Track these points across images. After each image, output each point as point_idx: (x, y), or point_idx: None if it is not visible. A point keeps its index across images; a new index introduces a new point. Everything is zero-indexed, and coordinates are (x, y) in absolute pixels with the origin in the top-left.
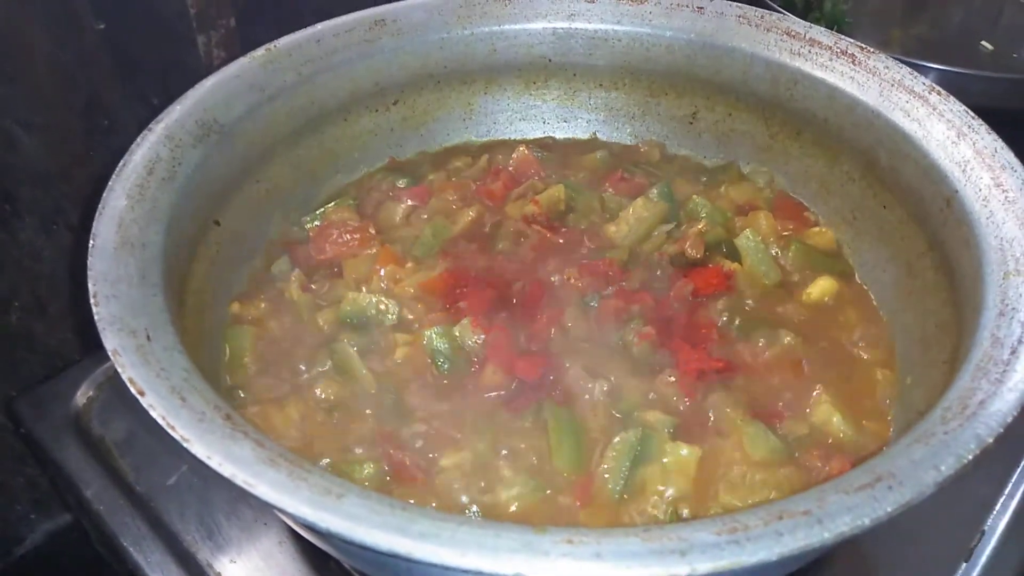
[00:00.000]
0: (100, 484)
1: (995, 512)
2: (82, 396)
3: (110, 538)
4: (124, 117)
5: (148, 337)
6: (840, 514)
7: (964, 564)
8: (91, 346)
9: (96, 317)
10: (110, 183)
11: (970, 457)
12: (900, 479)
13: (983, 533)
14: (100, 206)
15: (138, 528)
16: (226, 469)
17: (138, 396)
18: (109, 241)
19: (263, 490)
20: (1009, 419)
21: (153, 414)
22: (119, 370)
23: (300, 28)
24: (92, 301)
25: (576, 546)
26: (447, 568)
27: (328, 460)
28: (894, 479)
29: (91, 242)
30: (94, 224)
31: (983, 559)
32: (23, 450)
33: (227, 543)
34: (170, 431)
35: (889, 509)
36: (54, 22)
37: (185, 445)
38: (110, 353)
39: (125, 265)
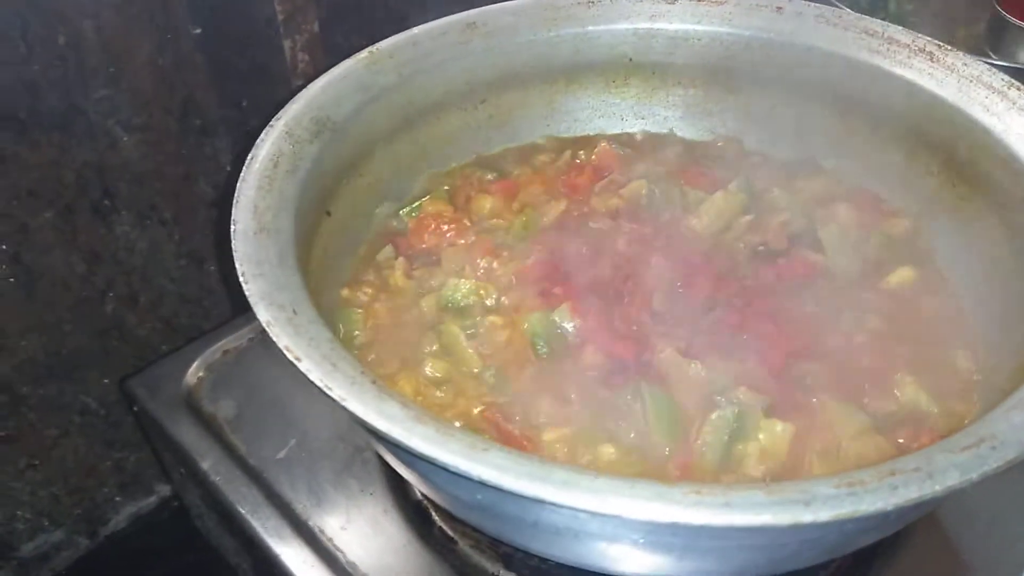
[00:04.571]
0: (215, 457)
1: None
2: (192, 376)
3: (227, 507)
4: (215, 118)
5: (295, 312)
6: (948, 470)
7: None
8: (178, 336)
9: (247, 293)
10: (242, 174)
11: None
12: (1002, 440)
13: None
14: (236, 195)
15: (254, 497)
16: (381, 424)
17: (295, 362)
18: (249, 227)
19: (417, 442)
20: None
21: (311, 377)
22: (275, 339)
23: (377, 33)
24: (241, 279)
25: (705, 496)
26: (589, 513)
27: None
28: (996, 440)
29: (232, 227)
30: (233, 211)
31: None
32: (112, 435)
33: (335, 511)
34: (327, 391)
35: (994, 465)
36: (155, 28)
37: (343, 404)
38: (264, 324)
39: (265, 248)
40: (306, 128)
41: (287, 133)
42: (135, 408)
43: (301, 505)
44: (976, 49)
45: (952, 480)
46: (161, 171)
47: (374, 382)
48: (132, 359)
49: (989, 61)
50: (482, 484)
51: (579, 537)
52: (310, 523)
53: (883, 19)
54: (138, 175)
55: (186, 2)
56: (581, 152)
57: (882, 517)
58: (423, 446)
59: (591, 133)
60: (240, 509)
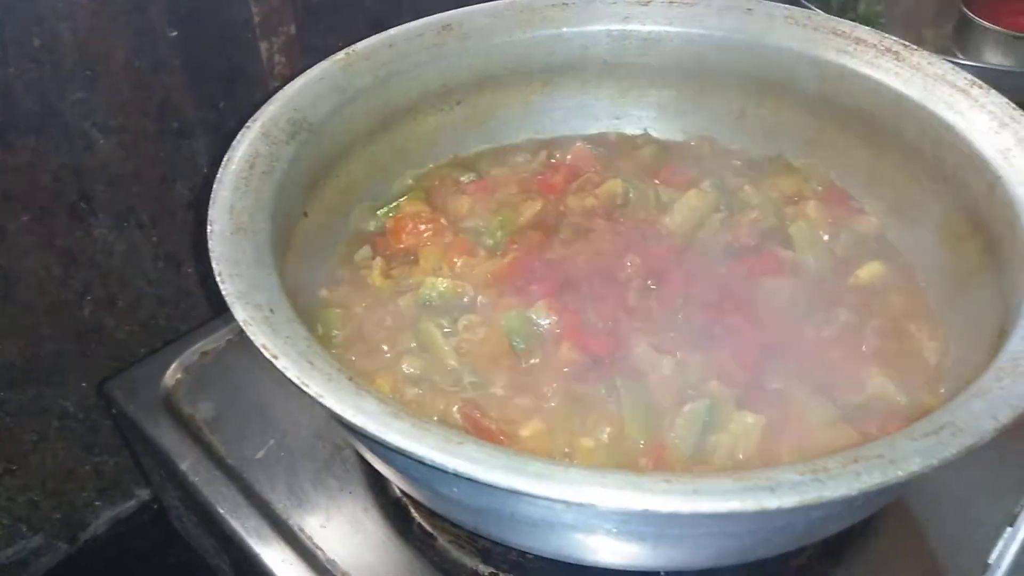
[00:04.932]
0: (194, 458)
1: None
2: (170, 378)
3: (206, 507)
4: (192, 120)
5: (271, 311)
6: (911, 456)
7: (1009, 528)
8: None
9: (224, 293)
10: (219, 176)
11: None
12: (961, 427)
13: None
14: (212, 197)
15: (233, 497)
16: (359, 420)
17: (272, 360)
18: (225, 227)
19: (393, 437)
20: None
21: (288, 375)
22: (252, 338)
23: (354, 35)
24: (218, 279)
25: (674, 484)
26: (563, 503)
27: None
28: (956, 427)
29: (209, 228)
30: (209, 212)
31: None
32: (90, 439)
33: (315, 510)
34: (304, 388)
35: (955, 451)
36: (131, 30)
37: (320, 400)
38: (241, 323)
39: (242, 249)
40: (283, 129)
41: (264, 134)
42: (114, 411)
43: (281, 504)
44: (944, 49)
45: (914, 466)
46: (138, 173)
47: (351, 379)
48: (111, 362)
49: (955, 60)
50: (458, 477)
51: (555, 528)
52: (290, 522)
53: (852, 20)
54: (115, 177)
55: (162, 4)
56: (557, 152)
57: (848, 503)
58: (400, 440)
59: (567, 134)
60: (219, 509)
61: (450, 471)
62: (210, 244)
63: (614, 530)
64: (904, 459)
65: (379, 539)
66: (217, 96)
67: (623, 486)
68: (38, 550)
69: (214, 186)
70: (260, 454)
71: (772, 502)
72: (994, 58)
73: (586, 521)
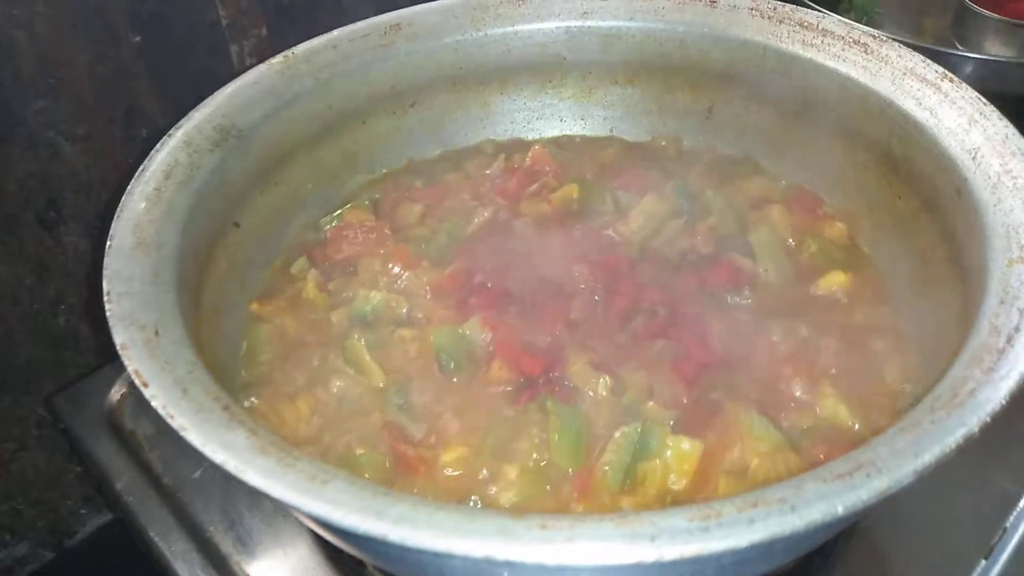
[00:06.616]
0: (130, 476)
1: (1019, 509)
2: (116, 392)
3: (138, 529)
4: (163, 125)
5: (156, 332)
6: (814, 502)
7: (984, 561)
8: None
9: (108, 314)
10: (129, 187)
11: (953, 446)
12: (879, 467)
13: (1005, 530)
14: (119, 209)
15: (164, 519)
16: (218, 456)
17: (142, 387)
18: (126, 242)
19: (251, 476)
20: (998, 408)
21: (154, 404)
22: (126, 363)
23: None
24: (106, 298)
25: (549, 531)
26: (421, 551)
27: (335, 451)
28: (873, 467)
29: (108, 243)
30: (112, 226)
31: (1004, 556)
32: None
33: (248, 534)
34: (169, 420)
35: (864, 497)
36: (93, 36)
37: (182, 433)
38: (118, 347)
39: (140, 264)
40: (207, 137)
41: (186, 142)
42: (61, 425)
43: (213, 527)
44: (943, 39)
45: (815, 515)
46: (107, 180)
47: (226, 408)
48: (88, 370)
49: (954, 53)
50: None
51: (445, 571)
52: (220, 547)
53: (847, 10)
54: (84, 185)
55: (124, 10)
56: (516, 155)
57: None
58: (256, 479)
59: (530, 136)
60: (150, 532)
61: (306, 513)
62: (105, 260)
63: (505, 574)
64: (807, 506)
65: (311, 564)
66: (188, 101)
67: (491, 533)
68: (23, 558)
69: (123, 198)
70: (197, 474)
71: (650, 553)
72: (994, 48)
73: (470, 566)
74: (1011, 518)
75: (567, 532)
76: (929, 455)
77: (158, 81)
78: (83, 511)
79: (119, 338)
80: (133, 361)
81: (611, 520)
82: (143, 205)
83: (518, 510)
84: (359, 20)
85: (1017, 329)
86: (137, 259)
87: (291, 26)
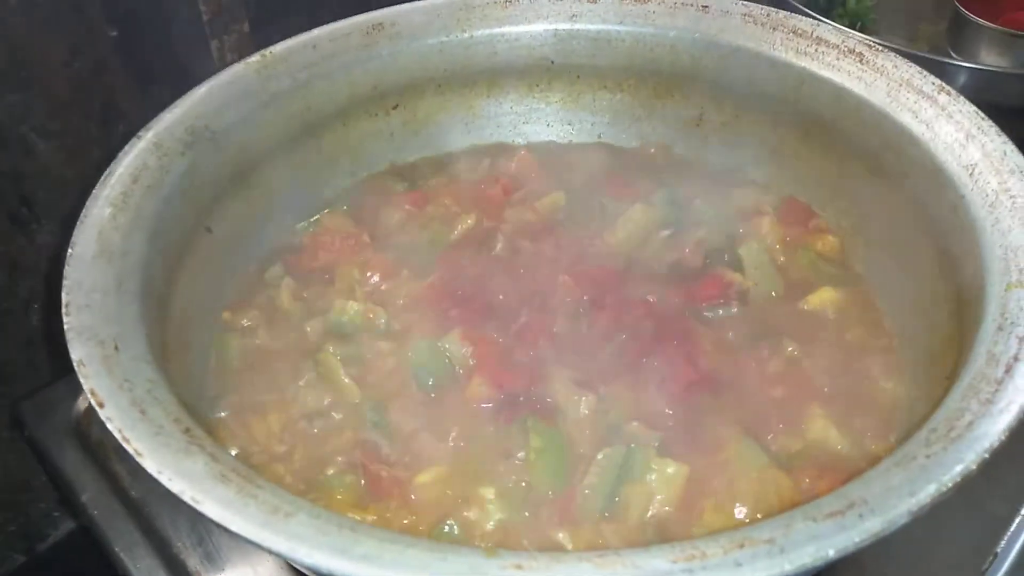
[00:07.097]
0: (96, 488)
1: (1010, 533)
2: (84, 401)
3: (103, 543)
4: (140, 122)
5: (116, 347)
6: (805, 544)
7: None
8: None
9: (66, 327)
10: (94, 192)
11: (950, 485)
12: (872, 507)
13: (996, 555)
14: (82, 215)
15: (130, 533)
16: (175, 485)
17: (97, 408)
18: (88, 250)
19: (208, 507)
20: (997, 443)
21: (110, 426)
22: (82, 381)
23: None
24: (64, 311)
25: (524, 571)
26: None
27: (304, 473)
28: (866, 506)
29: (69, 251)
30: (74, 233)
31: None
32: None
33: (216, 551)
34: (124, 444)
35: (857, 540)
36: (68, 30)
37: (138, 459)
38: (75, 364)
39: (102, 274)
40: (179, 139)
41: (155, 145)
42: (26, 434)
43: (180, 543)
44: (938, 48)
45: (805, 558)
46: (83, 178)
47: (187, 431)
48: (61, 372)
49: (948, 62)
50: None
51: None
52: (188, 563)
53: (840, 16)
54: (58, 182)
55: (100, 3)
56: (501, 161)
57: None
58: (214, 511)
59: (516, 141)
60: (114, 546)
61: (265, 548)
62: (65, 270)
63: None
64: (796, 547)
65: None
66: (166, 97)
67: (463, 572)
68: None
69: (87, 203)
70: None
71: None
72: (989, 58)
73: None
74: (1002, 543)
75: (543, 573)
76: (924, 494)
77: (136, 76)
78: (55, 514)
79: (76, 353)
80: (90, 379)
81: (590, 560)
82: (108, 211)
83: (492, 548)
84: (339, 17)
85: (1016, 358)
86: (100, 268)
87: (272, 23)
